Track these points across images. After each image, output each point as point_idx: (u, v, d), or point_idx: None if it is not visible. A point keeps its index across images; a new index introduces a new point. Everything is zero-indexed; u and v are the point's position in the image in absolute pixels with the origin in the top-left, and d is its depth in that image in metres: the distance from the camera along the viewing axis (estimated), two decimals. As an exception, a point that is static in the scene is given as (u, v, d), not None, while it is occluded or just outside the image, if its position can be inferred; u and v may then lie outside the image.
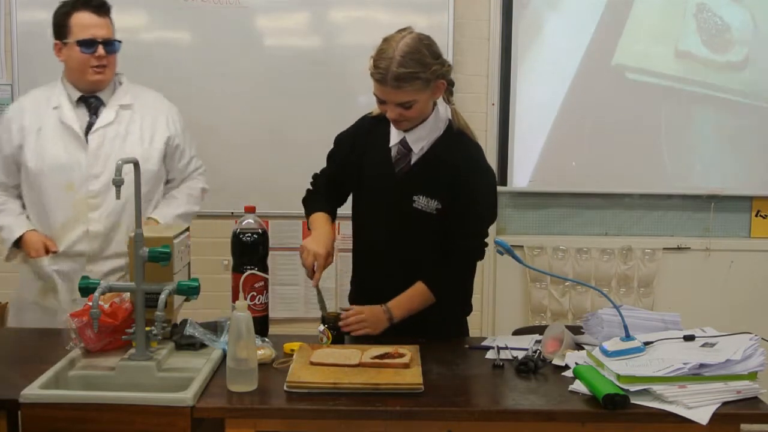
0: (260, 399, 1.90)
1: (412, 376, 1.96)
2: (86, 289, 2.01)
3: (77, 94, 2.70)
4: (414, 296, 2.32)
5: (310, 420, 1.88)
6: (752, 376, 1.92)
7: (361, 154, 2.40)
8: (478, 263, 2.41)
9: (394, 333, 2.29)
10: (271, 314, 2.38)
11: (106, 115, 2.70)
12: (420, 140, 2.32)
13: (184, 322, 2.20)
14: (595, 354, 2.03)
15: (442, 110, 2.36)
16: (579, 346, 2.18)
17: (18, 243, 2.67)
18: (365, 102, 3.12)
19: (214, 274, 3.49)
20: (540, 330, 2.35)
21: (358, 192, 2.46)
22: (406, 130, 2.32)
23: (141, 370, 1.99)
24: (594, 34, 3.83)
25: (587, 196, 3.98)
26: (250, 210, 2.33)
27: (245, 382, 1.92)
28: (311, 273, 2.29)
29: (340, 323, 2.26)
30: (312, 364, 2.04)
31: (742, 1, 3.84)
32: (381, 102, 2.25)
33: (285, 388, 1.92)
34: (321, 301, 2.33)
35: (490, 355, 2.21)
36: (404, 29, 2.25)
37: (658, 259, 3.96)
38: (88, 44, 2.62)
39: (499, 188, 3.73)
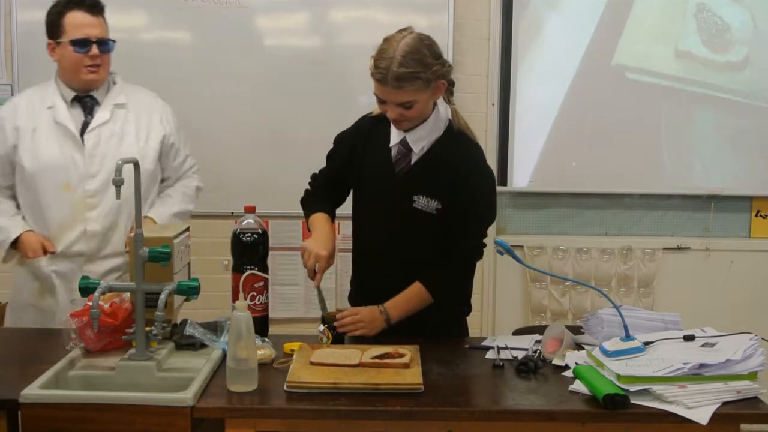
0: (260, 399, 1.90)
1: (412, 376, 1.96)
2: (86, 289, 2.01)
3: (71, 94, 2.69)
4: (411, 297, 2.32)
5: (310, 420, 1.88)
6: (752, 376, 1.92)
7: (362, 154, 2.40)
8: (478, 263, 2.41)
9: (392, 333, 2.28)
10: (271, 314, 2.38)
11: (101, 115, 2.69)
12: (420, 140, 2.32)
13: (184, 322, 2.20)
14: (595, 354, 2.03)
15: (443, 110, 2.36)
16: (579, 346, 2.18)
17: (14, 244, 2.66)
18: (365, 102, 3.12)
19: (214, 274, 3.50)
20: (540, 330, 2.35)
21: (358, 192, 2.46)
22: (406, 130, 2.32)
23: (141, 370, 1.99)
24: (594, 34, 3.83)
25: (587, 196, 3.98)
26: (250, 210, 2.33)
27: (245, 382, 1.92)
28: (312, 274, 2.29)
29: (335, 323, 2.26)
30: (312, 364, 2.04)
31: (742, 1, 3.84)
32: (381, 102, 2.25)
33: (285, 388, 1.92)
34: (322, 301, 2.33)
35: (490, 355, 2.21)
36: (405, 29, 2.24)
37: (658, 259, 3.96)
38: (81, 44, 2.62)
39: (499, 188, 3.75)
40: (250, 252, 2.30)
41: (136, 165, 2.02)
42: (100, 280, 2.03)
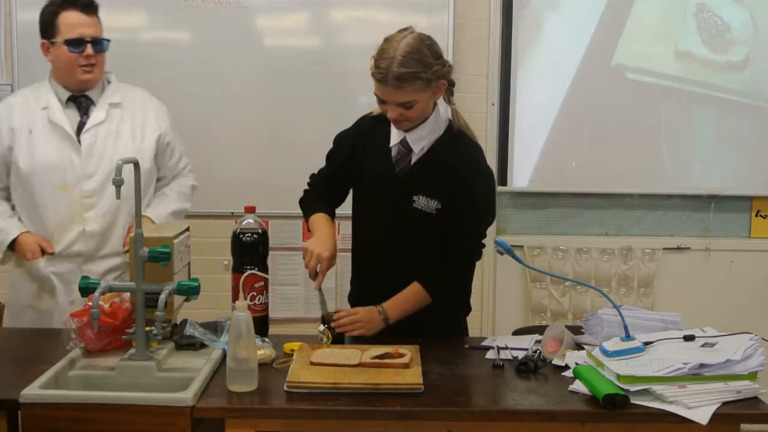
0: (260, 399, 1.90)
1: (412, 376, 1.96)
2: (86, 289, 2.01)
3: (66, 94, 2.68)
4: (410, 297, 2.31)
5: (310, 420, 1.88)
6: (752, 376, 1.92)
7: (362, 154, 2.40)
8: (478, 263, 2.41)
9: (392, 333, 2.28)
10: (271, 314, 2.38)
11: (97, 114, 2.68)
12: (420, 140, 2.32)
13: (184, 322, 2.19)
14: (595, 354, 2.03)
15: (443, 110, 2.36)
16: (579, 346, 2.18)
17: (11, 246, 2.64)
18: (365, 102, 3.12)
19: (214, 274, 3.50)
20: (540, 330, 2.35)
21: (358, 192, 2.46)
22: (406, 130, 2.32)
23: (141, 370, 1.99)
24: (594, 34, 3.83)
25: (587, 196, 3.98)
26: (250, 210, 2.33)
27: (245, 382, 1.92)
28: (314, 275, 2.29)
29: (332, 323, 2.25)
30: (312, 364, 2.04)
31: (742, 1, 3.84)
32: (382, 102, 2.25)
33: (285, 388, 1.92)
34: (323, 303, 2.33)
35: (490, 355, 2.21)
36: (405, 29, 2.24)
37: (658, 259, 3.96)
38: (76, 43, 2.60)
39: (499, 188, 3.76)
40: (250, 252, 2.29)
41: (136, 165, 2.01)
42: (100, 280, 2.04)
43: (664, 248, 3.97)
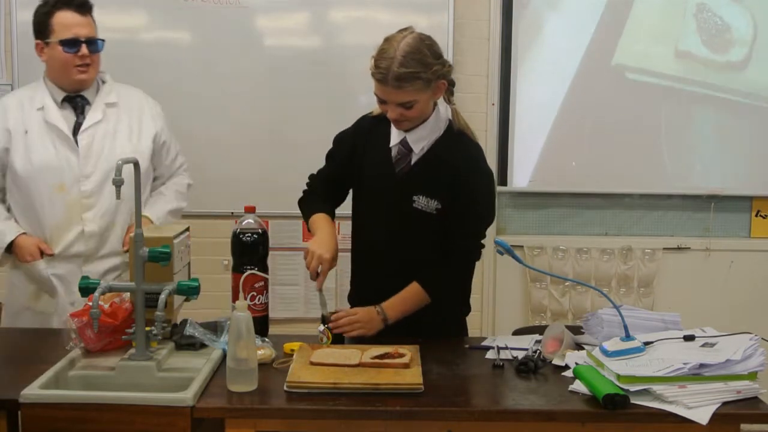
0: (260, 399, 1.90)
1: (412, 376, 1.96)
2: (86, 289, 2.00)
3: (62, 94, 2.67)
4: (408, 297, 2.31)
5: (310, 420, 1.88)
6: (752, 376, 1.92)
7: (362, 154, 2.40)
8: (478, 263, 2.41)
9: (392, 334, 2.28)
10: (271, 314, 2.38)
11: (93, 115, 2.67)
12: (420, 140, 2.32)
13: (184, 322, 2.19)
14: (595, 354, 2.03)
15: (443, 110, 2.36)
16: (579, 346, 2.18)
17: (9, 248, 2.62)
18: (365, 102, 3.12)
19: (214, 274, 3.50)
20: (540, 330, 2.35)
21: (358, 192, 2.46)
22: (406, 130, 2.32)
23: (141, 370, 1.99)
24: (594, 34, 3.83)
25: (587, 196, 3.98)
26: (250, 210, 2.33)
27: (245, 382, 1.92)
28: (315, 276, 2.29)
29: (330, 324, 2.25)
30: (312, 364, 2.04)
31: (742, 1, 3.84)
32: (382, 102, 2.25)
33: (285, 388, 1.92)
34: (323, 304, 2.32)
35: (490, 355, 2.21)
36: (405, 29, 2.24)
37: (658, 259, 3.96)
38: (71, 44, 2.59)
39: (499, 188, 3.76)
40: (250, 252, 2.29)
41: (136, 165, 2.02)
42: (100, 280, 2.04)
43: (664, 248, 3.97)
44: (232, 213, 3.65)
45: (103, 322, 2.03)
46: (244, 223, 2.31)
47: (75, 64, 2.61)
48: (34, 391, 1.85)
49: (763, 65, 3.87)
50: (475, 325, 3.70)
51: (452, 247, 2.32)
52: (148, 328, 2.02)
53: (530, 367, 2.07)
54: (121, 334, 2.06)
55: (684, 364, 1.91)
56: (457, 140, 2.33)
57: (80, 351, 2.11)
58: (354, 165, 2.41)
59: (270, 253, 2.36)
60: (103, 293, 1.98)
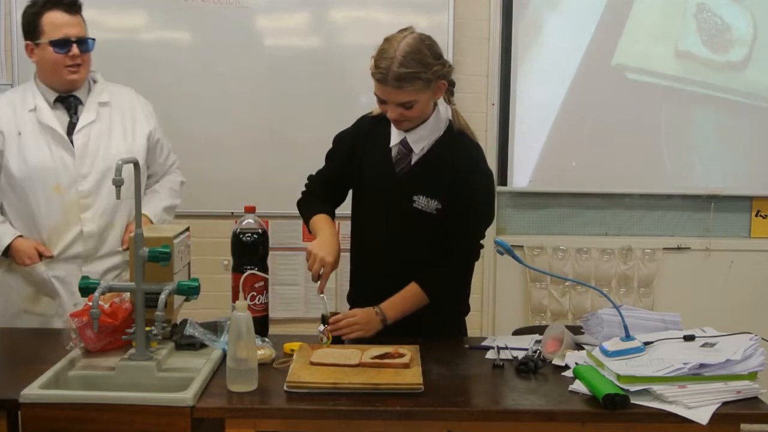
0: (260, 399, 1.90)
1: (412, 376, 1.96)
2: (86, 289, 2.01)
3: (54, 95, 2.66)
4: (407, 297, 2.31)
5: (310, 420, 1.88)
6: (752, 376, 1.92)
7: (362, 154, 2.40)
8: (478, 263, 2.41)
9: (391, 334, 2.28)
10: (271, 314, 2.38)
11: (87, 114, 2.66)
12: (421, 140, 2.32)
13: (184, 322, 2.20)
14: (595, 354, 2.03)
15: (443, 110, 2.36)
16: (579, 346, 2.18)
17: (5, 252, 2.60)
18: (365, 102, 3.12)
19: (214, 274, 3.50)
20: (540, 330, 2.35)
21: (358, 192, 2.46)
22: (406, 131, 2.32)
23: (141, 370, 1.99)
24: (594, 34, 3.82)
25: (587, 196, 3.98)
26: (250, 210, 2.33)
27: (245, 382, 1.92)
28: (317, 277, 2.28)
29: (329, 327, 2.24)
30: (312, 364, 2.04)
31: (742, 1, 3.84)
32: (382, 102, 2.25)
33: (285, 388, 1.92)
34: (325, 307, 2.32)
35: (490, 355, 2.21)
36: (405, 29, 2.24)
37: (658, 259, 3.96)
38: (61, 44, 2.57)
39: (499, 188, 3.76)
40: (250, 252, 2.29)
41: (136, 165, 2.02)
42: (100, 280, 2.04)
43: (664, 248, 3.97)
44: (232, 213, 3.65)
45: (103, 322, 2.04)
46: (244, 223, 2.31)
47: (66, 65, 2.59)
48: (34, 391, 1.85)
49: (763, 65, 3.86)
50: (475, 325, 3.71)
51: (452, 247, 2.32)
52: (148, 328, 2.02)
53: (530, 367, 2.07)
54: (121, 334, 2.06)
55: (684, 364, 1.91)
56: (457, 140, 2.33)
57: (80, 351, 2.11)
58: (354, 165, 2.41)
59: (270, 253, 2.36)
60: (103, 293, 1.98)
